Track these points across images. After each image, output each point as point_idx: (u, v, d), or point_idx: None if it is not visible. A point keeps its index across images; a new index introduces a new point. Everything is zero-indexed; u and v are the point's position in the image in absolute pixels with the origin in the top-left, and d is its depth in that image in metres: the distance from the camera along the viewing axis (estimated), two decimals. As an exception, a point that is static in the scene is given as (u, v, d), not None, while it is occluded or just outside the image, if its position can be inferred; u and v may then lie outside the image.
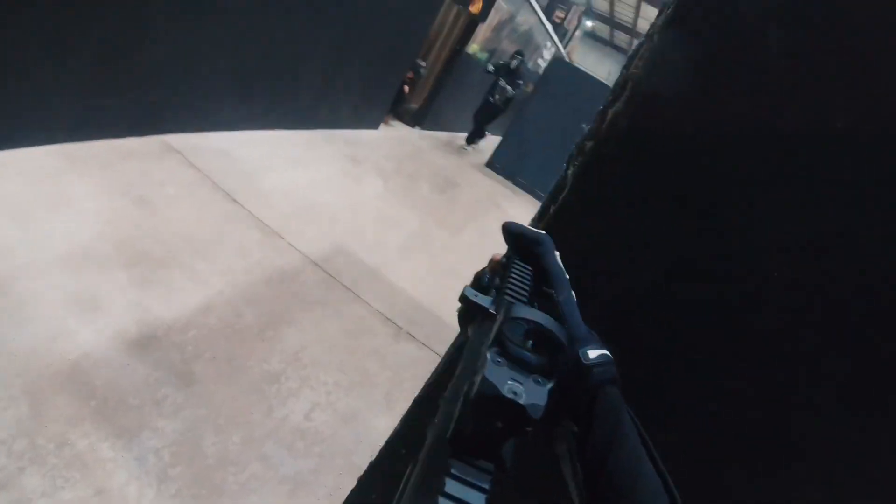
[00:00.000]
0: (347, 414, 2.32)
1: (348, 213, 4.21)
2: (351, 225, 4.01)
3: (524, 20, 10.78)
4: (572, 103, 8.51)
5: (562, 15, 16.61)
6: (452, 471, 0.29)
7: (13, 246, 2.07)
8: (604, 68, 23.57)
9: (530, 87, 9.90)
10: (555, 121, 8.63)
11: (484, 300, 0.44)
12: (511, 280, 0.47)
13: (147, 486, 1.61)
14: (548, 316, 0.37)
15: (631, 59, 0.92)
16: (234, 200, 3.28)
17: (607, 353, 0.43)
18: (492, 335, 0.35)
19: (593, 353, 0.42)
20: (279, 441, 2.01)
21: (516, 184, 8.98)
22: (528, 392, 0.30)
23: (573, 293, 0.48)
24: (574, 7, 18.86)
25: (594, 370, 0.42)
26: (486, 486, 0.29)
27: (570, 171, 0.97)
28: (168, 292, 2.35)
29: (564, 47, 14.21)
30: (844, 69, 0.83)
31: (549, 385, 0.32)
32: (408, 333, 3.15)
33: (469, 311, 0.45)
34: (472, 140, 9.64)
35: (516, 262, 0.50)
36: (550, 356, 0.35)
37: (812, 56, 0.85)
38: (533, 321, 0.36)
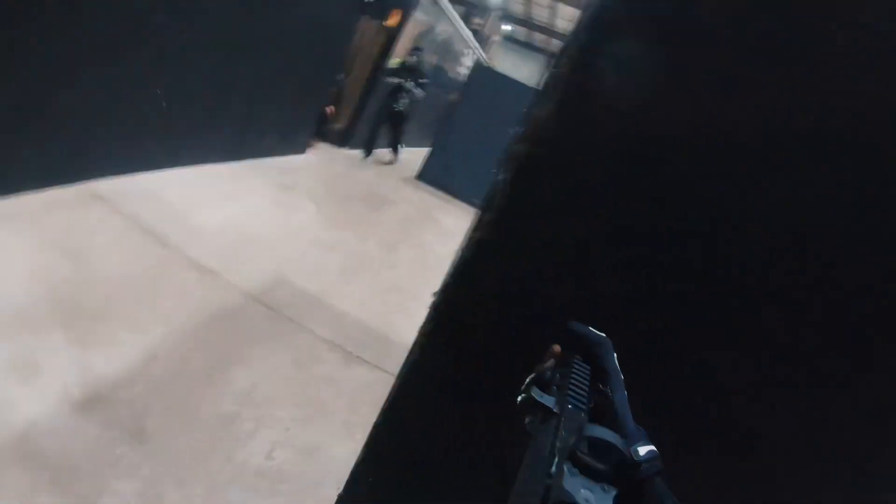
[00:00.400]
0: (309, 447, 2.36)
1: (284, 242, 4.21)
2: (288, 254, 4.02)
3: (443, 30, 11.00)
4: (497, 108, 8.61)
5: (480, 21, 17.03)
6: None
7: (-62, 317, 1.99)
8: (525, 69, 24.22)
9: (453, 95, 9.99)
10: (482, 127, 8.68)
11: (548, 400, 0.48)
12: (573, 384, 0.52)
13: (112, 551, 1.62)
14: (611, 432, 0.44)
15: (558, 58, 0.96)
16: (167, 244, 3.24)
17: (654, 448, 0.47)
18: (565, 446, 0.41)
19: (643, 450, 0.47)
20: (243, 485, 2.04)
21: (449, 193, 9.10)
22: (597, 499, 0.37)
23: (625, 392, 0.54)
24: (491, 13, 19.35)
25: (643, 465, 0.46)
26: None
27: (502, 178, 0.99)
28: (109, 347, 2.32)
29: (485, 53, 14.58)
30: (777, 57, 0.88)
31: (615, 492, 0.39)
32: (358, 357, 3.20)
33: (529, 405, 0.49)
34: (369, 151, 8.71)
35: (577, 361, 0.56)
36: (615, 466, 0.41)
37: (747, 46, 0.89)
38: (604, 440, 0.43)
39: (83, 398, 2.04)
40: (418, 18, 9.40)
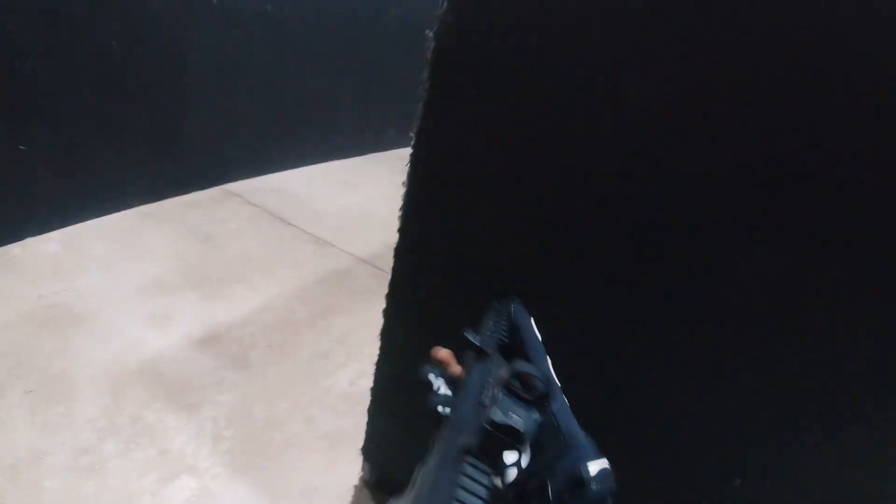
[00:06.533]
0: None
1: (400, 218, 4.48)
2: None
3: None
4: None
5: None
6: (465, 470, 0.40)
7: (100, 287, 2.57)
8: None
9: None
10: None
11: (480, 340, 0.60)
12: (501, 331, 0.63)
13: (202, 445, 1.93)
14: (537, 368, 0.53)
15: None
16: (290, 224, 3.70)
17: (607, 465, 0.44)
18: (501, 377, 0.50)
19: (594, 468, 0.43)
20: (323, 405, 2.26)
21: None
22: (525, 421, 0.45)
23: (566, 399, 0.52)
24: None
25: (592, 486, 0.42)
26: (489, 485, 0.40)
27: (427, 83, 1.11)
28: (230, 302, 2.75)
29: None
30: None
31: (536, 415, 0.47)
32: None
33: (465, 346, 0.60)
34: None
35: (499, 321, 0.66)
36: (537, 396, 0.49)
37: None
38: (527, 373, 0.51)
39: (202, 337, 2.45)
40: None
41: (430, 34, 1.09)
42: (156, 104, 3.16)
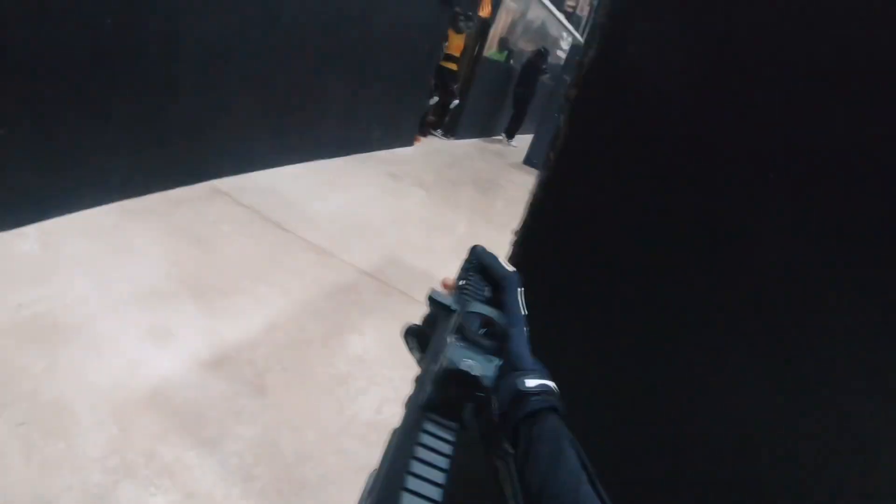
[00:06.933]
0: (417, 405, 2.35)
1: (394, 224, 4.30)
2: (398, 236, 4.09)
3: (536, 15, 10.78)
4: None
5: (572, 3, 16.42)
6: (426, 427, 0.37)
7: (87, 294, 2.25)
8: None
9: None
10: None
11: (447, 299, 0.52)
12: (469, 285, 0.56)
13: (232, 485, 1.70)
14: (495, 310, 0.48)
15: (595, 8, 0.97)
16: (284, 229, 3.43)
17: (549, 383, 0.46)
18: (452, 324, 0.45)
19: (532, 382, 0.45)
20: (352, 435, 2.07)
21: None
22: (481, 366, 0.40)
23: (525, 328, 0.51)
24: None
25: (531, 398, 0.44)
26: (452, 439, 0.37)
27: (561, 120, 1.04)
28: (234, 316, 2.48)
29: (580, 35, 14.04)
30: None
31: (497, 362, 0.43)
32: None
33: (423, 330, 0.54)
34: (512, 135, 10.75)
35: (473, 276, 0.59)
36: (498, 340, 0.45)
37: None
38: (483, 314, 0.47)
39: (211, 358, 2.19)
40: (510, 6, 9.30)
41: (568, 78, 1.07)
42: (146, 89, 2.82)
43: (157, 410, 1.87)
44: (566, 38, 12.94)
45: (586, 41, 1.01)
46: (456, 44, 7.31)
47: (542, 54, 9.82)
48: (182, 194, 3.28)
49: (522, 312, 0.53)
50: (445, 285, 0.61)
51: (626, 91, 0.99)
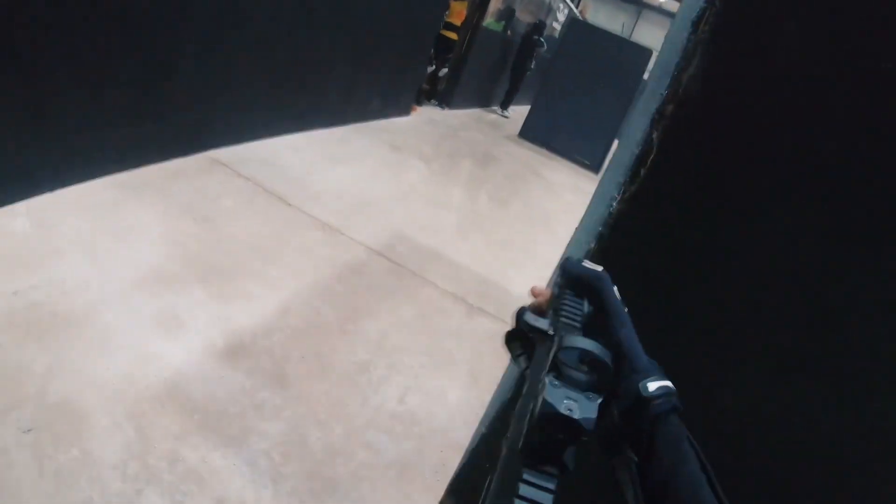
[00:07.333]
0: (438, 393, 2.27)
1: (399, 200, 4.16)
2: (404, 212, 3.95)
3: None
4: (594, 62, 8.33)
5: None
6: (524, 476, 0.34)
7: (87, 280, 2.08)
8: (617, 22, 22.86)
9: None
10: (580, 82, 8.46)
11: (542, 323, 0.49)
12: (565, 308, 0.52)
13: (263, 487, 1.59)
14: (594, 342, 0.42)
15: (695, 24, 0.96)
16: (289, 204, 3.26)
17: (668, 384, 0.44)
18: (549, 361, 0.42)
19: (653, 385, 0.44)
20: (379, 427, 1.97)
21: (551, 150, 8.81)
22: (581, 408, 0.36)
23: (632, 327, 0.50)
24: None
25: (654, 402, 0.43)
26: (553, 488, 0.34)
27: (654, 135, 0.99)
28: (246, 301, 2.34)
29: (577, 7, 13.72)
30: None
31: (599, 400, 0.38)
32: (479, 309, 3.08)
33: (526, 334, 0.50)
34: (507, 107, 10.59)
35: (568, 294, 0.54)
36: (599, 375, 0.41)
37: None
38: (583, 348, 0.42)
39: (226, 348, 2.05)
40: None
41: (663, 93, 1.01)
42: (142, 55, 2.58)
43: (174, 408, 1.73)
44: (562, 11, 12.64)
45: (684, 55, 0.97)
46: (457, 11, 7.03)
47: (538, 26, 9.59)
48: (180, 166, 3.07)
49: (625, 312, 0.51)
50: (535, 293, 0.60)
51: (727, 109, 0.96)
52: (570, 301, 0.54)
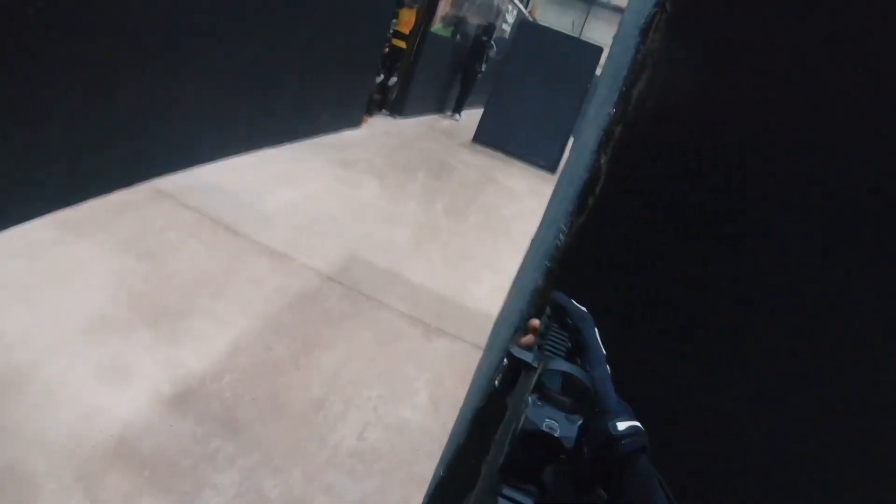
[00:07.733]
0: (398, 425, 2.28)
1: (352, 219, 4.14)
2: (357, 231, 3.94)
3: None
4: (545, 63, 8.44)
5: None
6: (503, 491, 0.36)
7: (28, 330, 2.01)
8: (567, 20, 23.27)
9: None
10: (532, 84, 8.54)
11: (527, 356, 0.51)
12: (550, 340, 0.55)
13: (220, 547, 1.58)
14: (576, 367, 0.46)
15: (644, 32, 0.85)
16: (237, 233, 3.21)
17: (637, 424, 0.46)
18: (532, 383, 0.44)
19: (622, 425, 0.45)
20: (340, 467, 1.98)
21: (506, 153, 8.90)
22: (561, 427, 0.39)
23: (608, 367, 0.51)
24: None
25: (623, 441, 0.44)
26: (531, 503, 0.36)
27: (602, 160, 0.92)
28: (194, 342, 2.30)
29: (526, 7, 13.90)
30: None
31: (580, 421, 0.41)
32: (437, 329, 3.11)
33: (513, 368, 0.52)
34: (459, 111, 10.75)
35: (554, 328, 0.58)
36: (580, 399, 0.44)
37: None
38: (565, 371, 0.45)
39: (174, 395, 2.01)
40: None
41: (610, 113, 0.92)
42: (79, 82, 2.50)
43: (124, 465, 1.70)
44: (511, 12, 12.78)
45: (632, 67, 0.87)
46: (405, 20, 7.03)
47: (488, 29, 9.68)
48: (123, 199, 2.99)
49: (602, 352, 0.53)
50: (532, 328, 0.61)
51: (683, 129, 0.86)
52: (556, 334, 0.57)
